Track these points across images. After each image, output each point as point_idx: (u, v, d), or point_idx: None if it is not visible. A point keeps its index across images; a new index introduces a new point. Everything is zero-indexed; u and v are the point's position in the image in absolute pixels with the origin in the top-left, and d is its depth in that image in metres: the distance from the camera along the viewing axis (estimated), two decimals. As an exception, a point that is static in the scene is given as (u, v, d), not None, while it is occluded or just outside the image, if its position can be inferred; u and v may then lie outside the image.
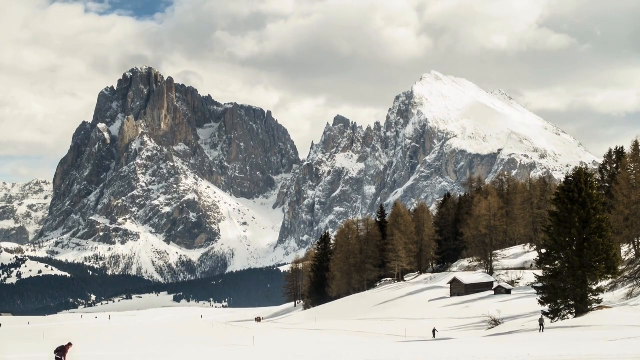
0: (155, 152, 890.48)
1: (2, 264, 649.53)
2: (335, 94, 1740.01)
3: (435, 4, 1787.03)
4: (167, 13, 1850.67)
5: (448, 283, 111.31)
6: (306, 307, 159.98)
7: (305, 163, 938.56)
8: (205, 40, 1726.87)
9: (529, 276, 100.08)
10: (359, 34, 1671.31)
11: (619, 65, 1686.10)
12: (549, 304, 61.07)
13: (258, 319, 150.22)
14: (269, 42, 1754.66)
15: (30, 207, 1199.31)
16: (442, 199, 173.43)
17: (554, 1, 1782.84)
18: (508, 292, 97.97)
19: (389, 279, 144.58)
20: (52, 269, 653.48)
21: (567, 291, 60.19)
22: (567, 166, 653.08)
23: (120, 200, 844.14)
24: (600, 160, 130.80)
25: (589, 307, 60.20)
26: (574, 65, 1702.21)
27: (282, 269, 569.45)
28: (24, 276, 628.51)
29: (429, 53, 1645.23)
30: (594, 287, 60.47)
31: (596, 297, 60.53)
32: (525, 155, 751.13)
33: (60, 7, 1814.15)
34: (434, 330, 68.67)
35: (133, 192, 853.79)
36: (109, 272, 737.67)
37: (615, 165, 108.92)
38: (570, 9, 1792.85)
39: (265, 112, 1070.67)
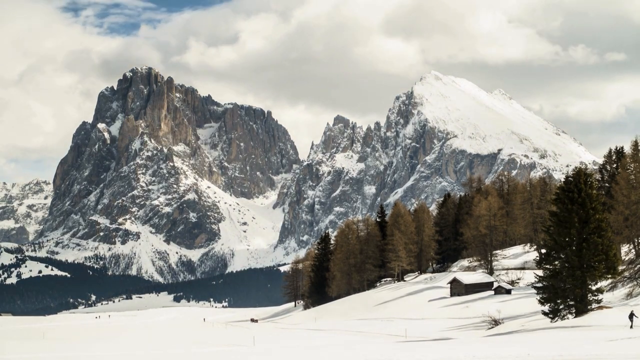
0: (155, 152, 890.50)
1: (2, 264, 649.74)
2: (317, 103, 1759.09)
3: (406, 11, 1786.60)
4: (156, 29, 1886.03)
5: (448, 283, 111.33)
6: (306, 307, 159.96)
7: (305, 163, 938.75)
8: (186, 54, 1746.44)
9: (529, 276, 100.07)
10: (335, 43, 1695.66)
11: (586, 79, 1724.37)
12: (548, 304, 61.12)
13: (254, 320, 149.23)
14: (252, 54, 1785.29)
15: (30, 207, 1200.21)
16: (442, 199, 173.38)
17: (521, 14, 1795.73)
18: (508, 292, 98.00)
19: (389, 279, 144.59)
20: (52, 269, 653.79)
21: (567, 291, 60.21)
22: (567, 166, 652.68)
23: (120, 200, 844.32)
24: (600, 160, 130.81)
25: (589, 307, 60.23)
26: (549, 77, 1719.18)
27: (282, 269, 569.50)
28: (24, 276, 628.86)
29: (404, 60, 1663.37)
30: (594, 287, 60.50)
31: (596, 297, 60.56)
32: (525, 155, 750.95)
33: (59, 25, 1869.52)
34: (631, 315, 53.27)
35: (133, 192, 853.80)
36: (109, 272, 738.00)
37: (615, 165, 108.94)
38: (533, 19, 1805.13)
39: (265, 112, 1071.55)
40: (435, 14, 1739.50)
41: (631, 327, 52.57)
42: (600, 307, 60.94)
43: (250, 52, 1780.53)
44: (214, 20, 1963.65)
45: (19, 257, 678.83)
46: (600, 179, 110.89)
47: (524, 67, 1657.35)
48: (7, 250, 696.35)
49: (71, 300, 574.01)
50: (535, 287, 64.48)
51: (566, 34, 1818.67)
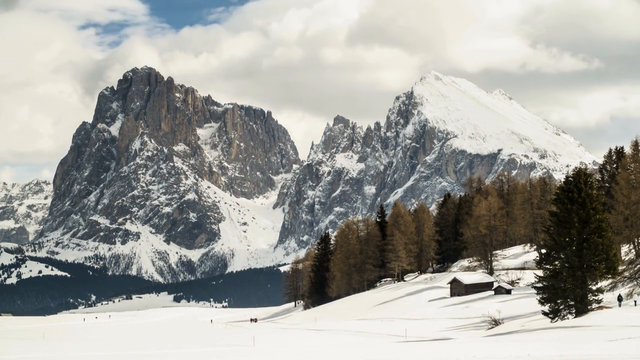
0: (155, 152, 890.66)
1: (2, 264, 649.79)
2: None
3: (373, 20, 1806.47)
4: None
5: (448, 283, 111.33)
6: (306, 307, 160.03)
7: (305, 163, 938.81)
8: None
9: (529, 276, 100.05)
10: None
11: (562, 87, 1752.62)
12: (549, 304, 61.07)
13: (254, 320, 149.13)
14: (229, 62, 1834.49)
15: (30, 207, 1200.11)
16: (442, 199, 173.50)
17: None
18: (508, 292, 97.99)
19: (389, 279, 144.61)
20: (52, 269, 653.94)
21: (567, 291, 60.16)
22: (567, 166, 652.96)
23: (120, 200, 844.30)
24: (600, 160, 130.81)
25: (589, 307, 60.19)
26: (527, 85, 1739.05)
27: (282, 269, 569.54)
28: (24, 276, 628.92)
29: (382, 68, 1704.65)
30: (594, 287, 60.45)
31: (596, 297, 60.53)
32: (525, 155, 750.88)
33: (62, 39, 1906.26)
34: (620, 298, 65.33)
35: (133, 192, 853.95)
36: (109, 272, 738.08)
37: (615, 166, 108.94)
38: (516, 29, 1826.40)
39: (265, 112, 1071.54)
40: (402, 23, 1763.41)
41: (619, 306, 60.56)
42: (600, 307, 60.92)
43: (228, 61, 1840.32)
44: (203, 34, 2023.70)
45: (19, 257, 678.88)
46: (600, 179, 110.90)
47: (501, 74, 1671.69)
48: (7, 250, 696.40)
49: (71, 300, 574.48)
50: (535, 287, 64.44)
51: (544, 43, 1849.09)
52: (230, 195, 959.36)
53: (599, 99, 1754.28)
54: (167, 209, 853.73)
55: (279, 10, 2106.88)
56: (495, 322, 70.45)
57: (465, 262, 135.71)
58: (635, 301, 65.17)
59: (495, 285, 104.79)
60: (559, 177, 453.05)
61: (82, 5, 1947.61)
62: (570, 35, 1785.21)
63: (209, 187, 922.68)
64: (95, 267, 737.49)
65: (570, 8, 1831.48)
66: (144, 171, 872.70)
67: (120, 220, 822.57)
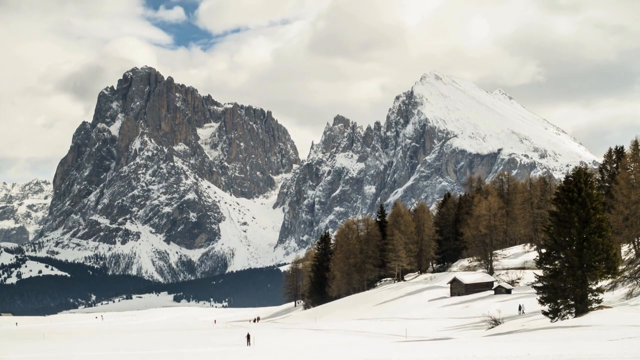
0: (155, 152, 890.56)
1: (2, 264, 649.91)
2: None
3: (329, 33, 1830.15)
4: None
5: (448, 283, 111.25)
6: (306, 307, 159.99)
7: (305, 163, 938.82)
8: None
9: (529, 276, 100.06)
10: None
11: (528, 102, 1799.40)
12: (549, 304, 61.01)
13: (255, 320, 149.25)
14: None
15: (30, 207, 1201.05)
16: (442, 199, 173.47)
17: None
18: (508, 291, 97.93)
19: (389, 278, 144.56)
20: (52, 269, 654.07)
21: (567, 291, 60.11)
22: (567, 166, 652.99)
23: (120, 200, 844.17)
24: (601, 160, 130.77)
25: (589, 307, 60.14)
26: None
27: (282, 268, 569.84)
28: (24, 276, 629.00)
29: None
30: (594, 287, 60.38)
31: (596, 297, 60.46)
32: (525, 155, 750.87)
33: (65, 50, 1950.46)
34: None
35: (133, 192, 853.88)
36: (109, 272, 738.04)
37: (615, 165, 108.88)
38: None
39: (266, 112, 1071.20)
40: (362, 34, 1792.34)
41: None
42: (601, 307, 60.86)
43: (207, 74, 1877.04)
44: (183, 54, 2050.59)
45: (19, 257, 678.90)
46: (600, 178, 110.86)
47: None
48: (7, 250, 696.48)
49: (71, 300, 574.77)
50: (535, 287, 64.34)
51: (511, 57, 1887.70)
52: (230, 195, 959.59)
53: (569, 111, 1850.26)
54: (167, 209, 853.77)
55: (249, 36, 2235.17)
56: (495, 322, 70.41)
57: (465, 262, 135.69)
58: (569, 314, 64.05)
59: (495, 285, 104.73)
60: (559, 176, 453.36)
61: (107, 35, 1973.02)
62: (537, 54, 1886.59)
63: (209, 186, 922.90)
64: (95, 267, 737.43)
65: (537, 30, 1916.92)
66: (144, 171, 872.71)
67: (120, 220, 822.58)
